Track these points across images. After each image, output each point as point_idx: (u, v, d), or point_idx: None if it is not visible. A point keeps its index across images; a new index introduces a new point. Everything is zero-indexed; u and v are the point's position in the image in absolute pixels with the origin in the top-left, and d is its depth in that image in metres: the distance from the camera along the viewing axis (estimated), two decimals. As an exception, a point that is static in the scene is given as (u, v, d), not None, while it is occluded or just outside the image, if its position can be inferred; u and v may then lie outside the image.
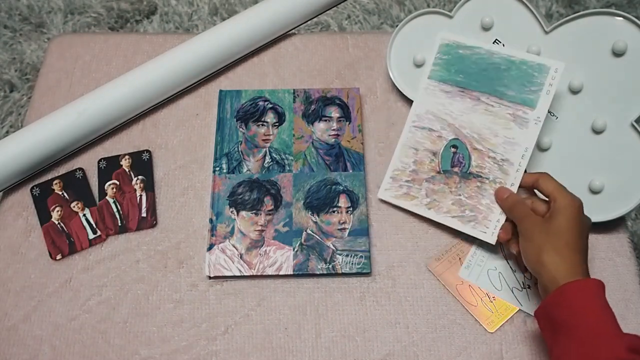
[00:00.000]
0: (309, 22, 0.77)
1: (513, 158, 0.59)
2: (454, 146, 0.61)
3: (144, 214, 0.64)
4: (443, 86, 0.63)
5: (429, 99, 0.63)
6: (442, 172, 0.60)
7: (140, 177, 0.66)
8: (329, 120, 0.69)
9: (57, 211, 0.64)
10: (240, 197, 0.64)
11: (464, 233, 0.60)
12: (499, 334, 0.57)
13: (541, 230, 0.53)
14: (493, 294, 0.58)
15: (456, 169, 0.60)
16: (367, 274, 0.61)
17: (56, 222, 0.64)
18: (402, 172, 0.60)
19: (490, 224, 0.58)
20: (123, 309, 0.60)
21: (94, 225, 0.64)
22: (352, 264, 0.60)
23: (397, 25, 0.72)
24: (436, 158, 0.61)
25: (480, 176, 0.59)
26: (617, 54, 0.59)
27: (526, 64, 0.60)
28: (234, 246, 0.61)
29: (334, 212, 0.63)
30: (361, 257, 0.61)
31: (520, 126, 0.60)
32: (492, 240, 0.57)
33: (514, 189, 0.59)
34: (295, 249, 0.61)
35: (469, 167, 0.60)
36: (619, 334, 0.46)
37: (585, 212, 0.60)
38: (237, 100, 0.70)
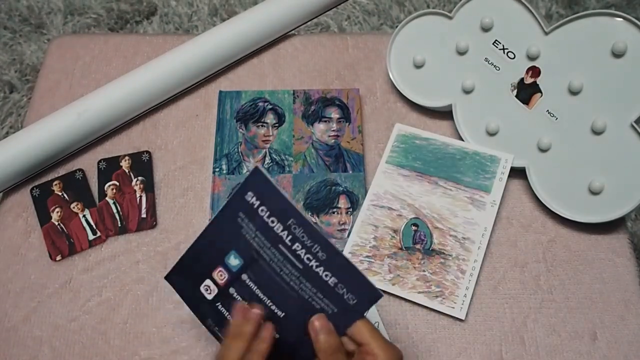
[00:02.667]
0: (308, 23, 0.77)
1: (474, 237, 0.61)
2: (415, 224, 0.62)
3: (143, 215, 0.64)
4: (401, 170, 0.65)
5: (387, 181, 0.64)
6: (404, 248, 0.61)
7: (140, 178, 0.66)
8: (329, 121, 0.69)
9: (57, 212, 0.64)
10: (240, 198, 0.64)
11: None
12: (498, 334, 0.57)
13: None
14: None
15: (418, 246, 0.61)
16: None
17: (56, 223, 0.64)
18: (361, 248, 0.61)
19: (458, 299, 0.58)
20: (123, 309, 0.60)
21: (94, 226, 0.64)
22: (352, 264, 0.60)
23: (396, 26, 0.72)
24: (397, 235, 0.61)
25: (444, 253, 0.60)
26: (617, 54, 0.59)
27: (479, 154, 0.65)
28: (233, 247, 0.61)
29: (333, 213, 0.63)
30: (361, 257, 0.61)
31: (478, 208, 0.62)
32: (462, 315, 0.57)
33: (477, 265, 0.59)
34: (295, 250, 0.61)
35: (431, 244, 0.61)
36: None
37: (585, 213, 0.61)
38: (236, 101, 0.70)
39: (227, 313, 0.47)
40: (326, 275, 0.43)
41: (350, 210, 0.63)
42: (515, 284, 0.60)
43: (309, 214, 0.63)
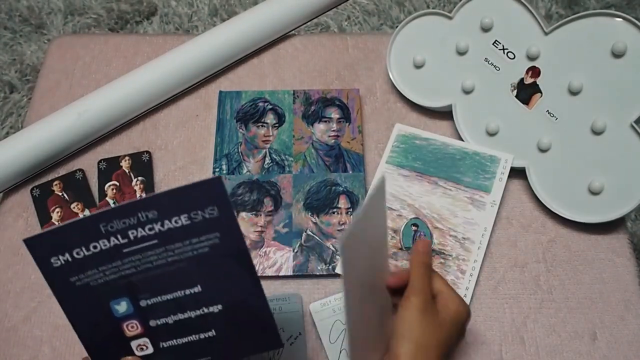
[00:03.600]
0: (308, 23, 0.77)
1: (474, 237, 0.61)
2: (415, 224, 0.62)
3: (144, 215, 0.64)
4: (401, 171, 0.65)
5: (388, 181, 0.64)
6: (404, 248, 0.61)
7: (140, 178, 0.66)
8: (329, 121, 0.69)
9: (57, 212, 0.64)
10: (240, 198, 0.64)
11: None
12: (498, 334, 0.57)
13: (422, 316, 0.45)
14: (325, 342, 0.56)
15: None
16: (367, 275, 0.60)
17: (56, 223, 0.64)
18: None
19: None
20: (123, 310, 0.60)
21: (94, 226, 0.64)
22: (352, 264, 0.60)
23: (396, 26, 0.72)
24: (397, 235, 0.61)
25: (443, 253, 0.60)
26: (617, 54, 0.59)
27: (479, 155, 0.65)
28: (233, 247, 0.61)
29: (333, 213, 0.63)
30: (361, 258, 0.60)
31: (478, 208, 0.62)
32: None
33: (477, 265, 0.59)
34: (295, 250, 0.61)
35: (431, 244, 0.61)
36: None
37: (585, 213, 0.61)
38: (237, 101, 0.70)
39: (178, 339, 0.43)
40: (176, 222, 0.38)
41: (350, 210, 0.63)
42: (515, 284, 0.60)
43: (309, 214, 0.63)
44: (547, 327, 0.58)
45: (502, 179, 0.63)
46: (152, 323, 0.42)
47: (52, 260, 0.38)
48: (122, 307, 0.41)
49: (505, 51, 0.65)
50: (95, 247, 0.38)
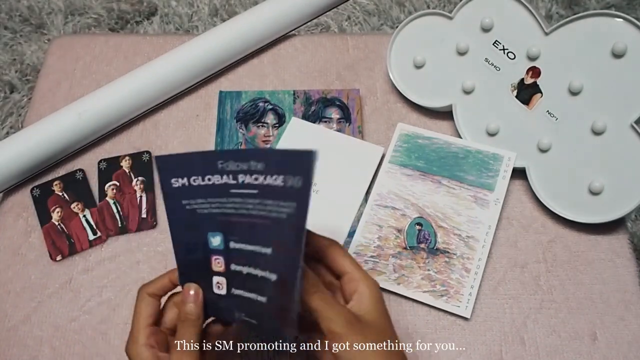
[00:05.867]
0: (309, 23, 0.77)
1: (478, 235, 0.61)
2: (419, 224, 0.62)
3: (144, 215, 0.64)
4: (404, 170, 0.65)
5: (391, 181, 0.64)
6: (408, 248, 0.61)
7: (140, 178, 0.67)
8: (329, 122, 0.69)
9: (57, 212, 0.64)
10: (240, 198, 0.64)
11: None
12: (498, 334, 0.57)
13: (353, 329, 0.41)
14: None
15: (423, 245, 0.61)
16: (367, 275, 0.60)
17: (56, 223, 0.64)
18: (366, 248, 0.61)
19: (463, 298, 0.58)
20: (123, 310, 0.60)
21: (94, 226, 0.64)
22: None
23: (397, 27, 0.72)
24: (401, 235, 0.61)
25: (448, 252, 0.60)
26: (617, 55, 0.59)
27: (482, 153, 0.64)
28: (234, 247, 0.61)
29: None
30: (361, 258, 0.61)
31: (482, 207, 0.62)
32: (467, 314, 0.58)
33: (482, 264, 0.59)
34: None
35: (435, 243, 0.61)
36: None
37: (585, 214, 0.61)
38: (237, 102, 0.70)
39: (245, 292, 0.43)
40: (275, 179, 0.39)
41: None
42: (515, 285, 0.60)
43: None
44: (547, 327, 0.58)
45: (505, 177, 0.63)
46: (232, 267, 0.43)
47: (173, 181, 0.42)
48: (216, 240, 0.43)
49: (506, 51, 0.65)
50: (209, 180, 0.41)
